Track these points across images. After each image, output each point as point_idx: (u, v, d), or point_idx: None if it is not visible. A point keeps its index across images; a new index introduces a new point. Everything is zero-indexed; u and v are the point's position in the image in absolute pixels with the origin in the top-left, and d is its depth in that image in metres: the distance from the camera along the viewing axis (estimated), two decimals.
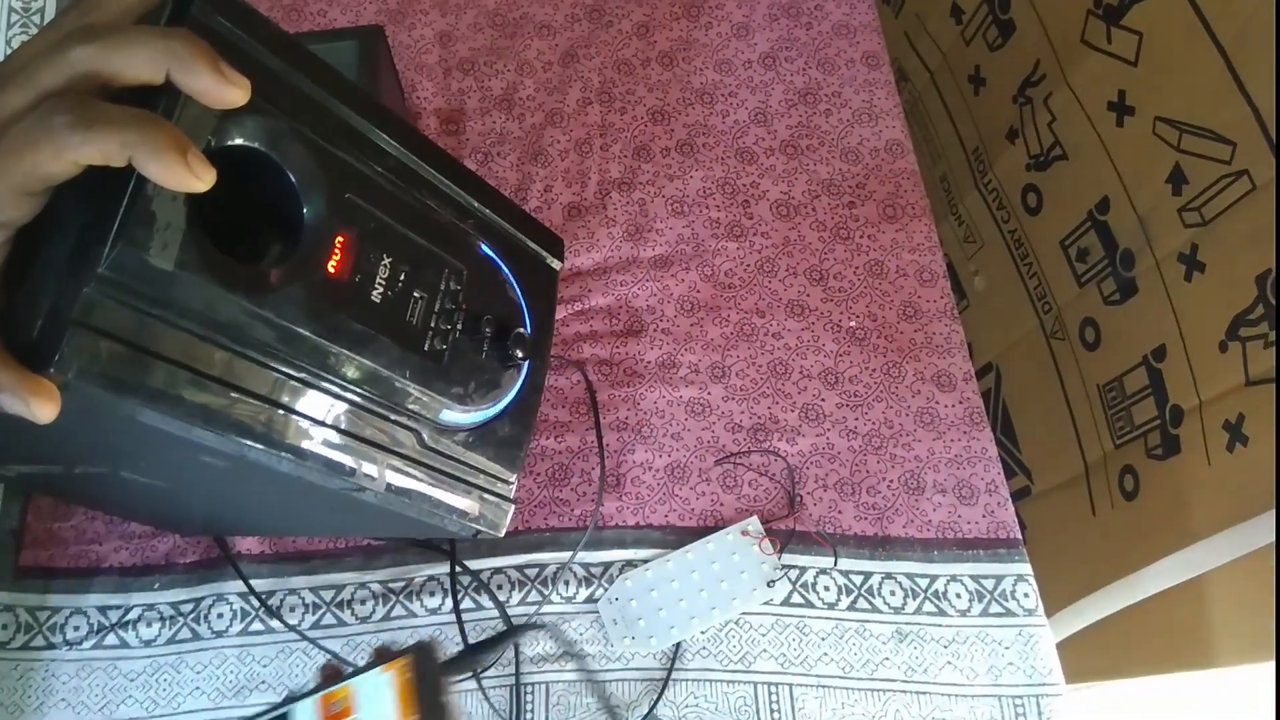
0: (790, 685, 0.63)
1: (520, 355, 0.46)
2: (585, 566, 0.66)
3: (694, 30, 0.85)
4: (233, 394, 0.35)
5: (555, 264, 0.52)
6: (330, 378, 0.38)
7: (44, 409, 0.29)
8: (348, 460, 0.40)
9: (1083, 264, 0.87)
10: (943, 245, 0.78)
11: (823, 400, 0.71)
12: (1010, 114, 0.96)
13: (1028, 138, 0.93)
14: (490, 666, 0.62)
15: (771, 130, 0.81)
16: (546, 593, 0.64)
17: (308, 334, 0.36)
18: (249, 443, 0.36)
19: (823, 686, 0.63)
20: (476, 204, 0.46)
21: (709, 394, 0.71)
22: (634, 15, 0.85)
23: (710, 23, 0.85)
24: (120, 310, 0.31)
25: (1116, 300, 0.82)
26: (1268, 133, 0.63)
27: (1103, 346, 0.85)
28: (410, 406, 0.42)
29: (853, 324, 0.74)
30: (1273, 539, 0.62)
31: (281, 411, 0.37)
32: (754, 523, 0.66)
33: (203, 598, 0.64)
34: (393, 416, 0.41)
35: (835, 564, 0.66)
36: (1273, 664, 0.63)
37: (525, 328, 0.48)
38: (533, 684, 0.62)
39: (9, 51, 0.82)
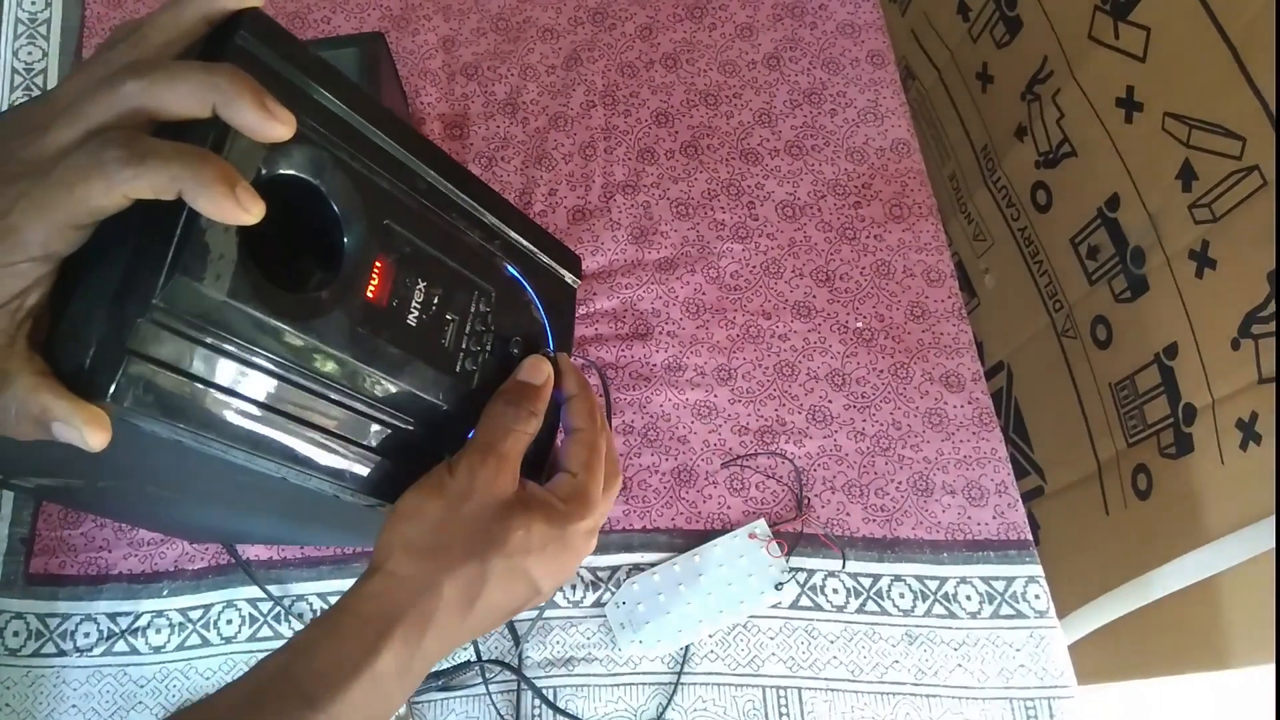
0: (799, 688, 0.62)
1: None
2: (592, 570, 0.65)
3: (697, 32, 0.85)
4: (279, 420, 0.36)
5: (574, 282, 0.52)
6: (369, 400, 0.39)
7: (97, 437, 0.30)
8: (383, 482, 0.41)
9: (1093, 261, 0.86)
10: (952, 244, 0.78)
11: (830, 402, 0.71)
12: (1019, 111, 0.95)
13: (1036, 135, 0.93)
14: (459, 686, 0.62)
15: (776, 131, 0.81)
16: (552, 596, 0.64)
17: (349, 359, 0.37)
18: (292, 466, 0.37)
19: (832, 690, 0.62)
20: (501, 225, 0.47)
21: (715, 396, 0.71)
22: (637, 17, 0.85)
23: (714, 24, 0.85)
24: (173, 339, 0.31)
25: (1128, 298, 0.81)
26: (1277, 127, 0.62)
27: (1114, 344, 0.84)
28: (443, 427, 0.42)
29: (860, 325, 0.73)
30: None
31: (323, 435, 0.38)
32: (761, 525, 0.66)
33: (212, 604, 0.65)
34: (425, 436, 0.42)
35: (844, 566, 0.66)
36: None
37: (549, 346, 0.48)
38: (538, 689, 0.62)
39: (15, 64, 0.82)
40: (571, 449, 0.45)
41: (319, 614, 0.64)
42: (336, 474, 0.39)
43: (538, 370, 0.44)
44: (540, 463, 0.47)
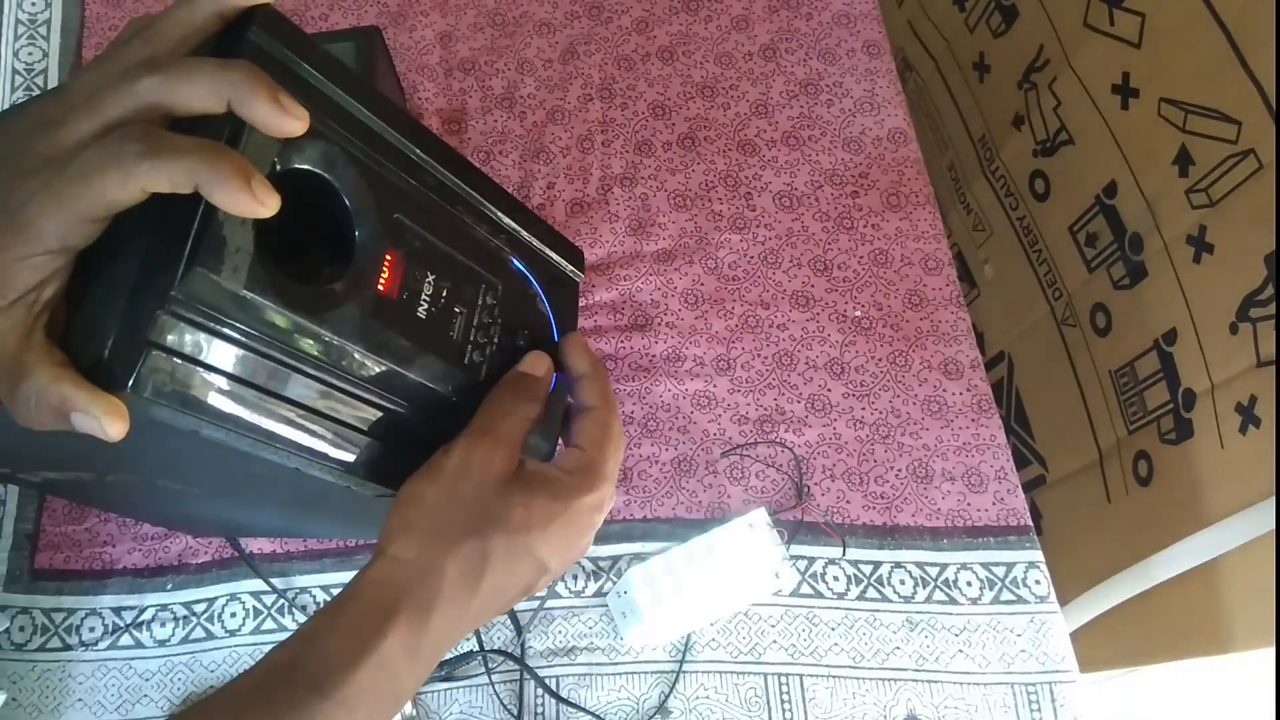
0: (800, 675, 0.63)
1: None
2: (593, 560, 0.66)
3: (693, 24, 0.85)
4: (292, 409, 0.36)
5: (577, 276, 0.53)
6: (379, 392, 0.40)
7: (116, 427, 0.30)
8: (392, 472, 0.41)
9: (1092, 249, 0.86)
10: (952, 234, 0.78)
11: (829, 390, 0.71)
12: (1015, 100, 0.95)
13: (1033, 123, 0.93)
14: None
15: (773, 122, 0.81)
16: (554, 586, 0.65)
17: (361, 351, 0.37)
18: (303, 455, 0.38)
19: (833, 676, 0.63)
20: (507, 220, 0.47)
21: (715, 386, 0.71)
22: (633, 11, 0.86)
23: (710, 16, 0.85)
24: (190, 331, 0.32)
25: (1126, 284, 0.81)
26: (1273, 111, 0.62)
27: (1114, 332, 0.84)
28: (450, 417, 0.43)
29: (858, 314, 0.74)
30: None
31: (334, 425, 0.39)
32: (762, 514, 0.66)
33: (216, 597, 0.65)
34: (433, 426, 0.42)
35: (844, 554, 0.66)
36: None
37: (554, 339, 0.49)
38: (541, 679, 0.62)
39: (16, 65, 0.83)
40: (583, 425, 0.45)
41: (323, 604, 0.65)
42: (346, 464, 0.40)
43: (538, 363, 0.45)
44: (552, 446, 0.47)
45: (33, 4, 0.85)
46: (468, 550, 0.39)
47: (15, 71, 0.83)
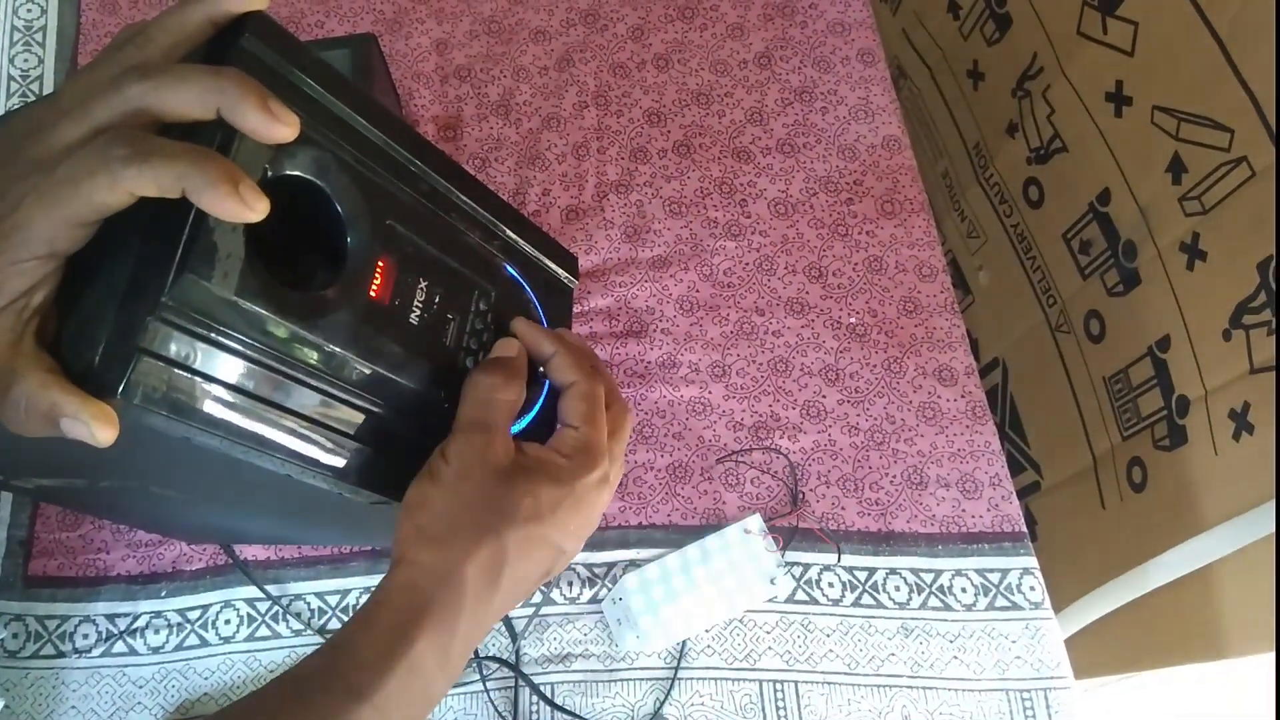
0: (796, 682, 0.63)
1: (544, 374, 0.47)
2: (588, 566, 0.66)
3: (689, 32, 0.85)
4: (284, 416, 0.36)
5: (571, 282, 0.53)
6: (372, 398, 0.40)
7: (105, 433, 0.30)
8: (386, 479, 0.41)
9: (1085, 256, 0.86)
10: (946, 242, 0.78)
11: (824, 397, 0.71)
12: (1009, 108, 0.96)
13: (1027, 131, 0.93)
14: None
15: (768, 129, 0.81)
16: (548, 592, 0.65)
17: (353, 357, 0.37)
18: (295, 463, 0.38)
19: (828, 683, 0.63)
20: (501, 226, 0.47)
21: (710, 393, 0.71)
22: (628, 19, 0.86)
23: (705, 24, 0.86)
24: (181, 337, 0.32)
25: (1120, 291, 0.81)
26: (1265, 119, 0.63)
27: (1107, 338, 0.84)
28: (443, 424, 0.43)
29: (853, 320, 0.74)
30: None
31: (329, 433, 0.38)
32: (756, 520, 0.66)
33: (210, 604, 0.65)
34: (427, 433, 0.42)
35: (839, 560, 0.66)
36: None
37: None
38: (536, 686, 0.62)
39: (12, 71, 0.83)
40: (567, 403, 0.44)
41: (315, 612, 0.65)
42: (339, 470, 0.40)
43: (507, 345, 0.44)
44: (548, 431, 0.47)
45: (29, 10, 0.85)
46: (485, 552, 0.39)
47: (11, 78, 0.83)
